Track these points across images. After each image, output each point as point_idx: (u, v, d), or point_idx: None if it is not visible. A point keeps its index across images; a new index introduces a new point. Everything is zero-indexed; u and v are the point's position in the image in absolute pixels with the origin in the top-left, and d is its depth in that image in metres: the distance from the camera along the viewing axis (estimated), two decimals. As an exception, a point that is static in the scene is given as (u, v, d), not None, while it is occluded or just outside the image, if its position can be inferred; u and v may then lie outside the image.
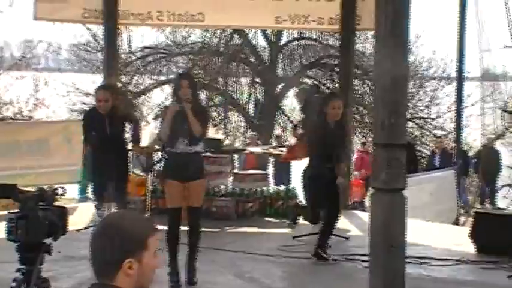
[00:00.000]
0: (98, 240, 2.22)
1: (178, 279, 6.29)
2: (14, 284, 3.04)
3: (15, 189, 3.10)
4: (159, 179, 7.43)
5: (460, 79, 13.23)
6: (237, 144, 11.48)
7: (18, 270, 3.05)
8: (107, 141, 7.69)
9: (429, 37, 40.29)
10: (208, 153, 9.68)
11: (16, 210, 3.03)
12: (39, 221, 3.00)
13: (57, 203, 3.16)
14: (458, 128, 13.47)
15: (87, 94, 19.79)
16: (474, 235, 7.80)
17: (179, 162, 6.26)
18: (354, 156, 17.34)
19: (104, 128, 7.71)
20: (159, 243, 2.33)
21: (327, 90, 20.40)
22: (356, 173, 16.00)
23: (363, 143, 16.56)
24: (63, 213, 3.11)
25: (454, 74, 18.26)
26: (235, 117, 21.31)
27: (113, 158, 7.61)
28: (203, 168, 6.59)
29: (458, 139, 13.58)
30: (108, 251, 2.18)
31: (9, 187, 3.12)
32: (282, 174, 15.11)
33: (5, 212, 9.37)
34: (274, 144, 13.42)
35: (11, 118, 16.50)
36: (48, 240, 3.06)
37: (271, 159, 15.60)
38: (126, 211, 2.89)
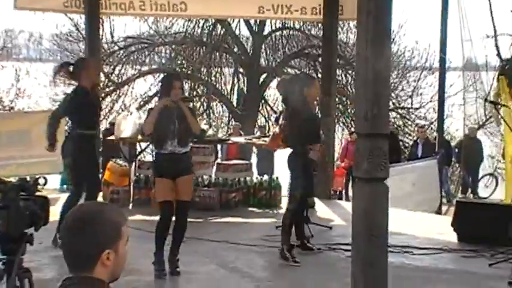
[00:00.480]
0: (75, 233, 2.19)
1: (164, 268, 6.34)
2: (-5, 275, 3.03)
3: (-4, 179, 3.09)
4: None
5: (443, 69, 13.30)
6: (220, 135, 11.43)
7: (-1, 260, 3.05)
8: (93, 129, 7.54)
9: (412, 27, 40.39)
10: (191, 144, 9.69)
11: (-3, 201, 3.02)
12: (21, 211, 2.99)
13: (38, 193, 3.15)
14: (441, 118, 13.55)
15: (69, 84, 19.62)
16: (456, 224, 7.87)
17: (168, 163, 6.33)
18: (341, 146, 17.43)
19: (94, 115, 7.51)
20: (130, 231, 2.34)
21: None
22: (338, 162, 16.09)
23: (351, 133, 16.59)
24: (44, 203, 3.10)
25: (436, 64, 18.37)
26: (218, 108, 21.29)
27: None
28: (191, 164, 6.69)
29: (440, 129, 13.66)
30: (88, 243, 2.17)
31: (-10, 178, 3.10)
32: (266, 164, 15.14)
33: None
34: (257, 134, 13.41)
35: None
36: (30, 231, 3.05)
37: (255, 149, 15.63)
38: (96, 202, 2.89)
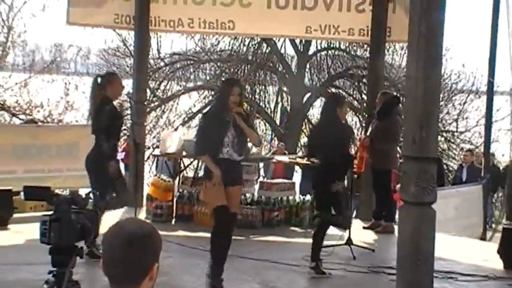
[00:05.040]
0: (130, 248, 2.22)
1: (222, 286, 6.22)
2: (45, 286, 3.06)
3: (49, 192, 3.13)
4: (200, 184, 7.34)
5: (490, 92, 13.12)
6: (263, 153, 11.46)
7: (50, 272, 3.07)
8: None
9: (459, 50, 40.04)
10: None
11: (50, 213, 3.05)
12: (72, 224, 3.02)
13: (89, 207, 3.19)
14: (488, 142, 13.34)
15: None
16: (502, 251, 7.72)
17: (224, 167, 6.20)
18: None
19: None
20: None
21: (355, 102, 20.39)
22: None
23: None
24: (95, 217, 3.13)
25: (483, 88, 18.15)
26: (262, 126, 21.34)
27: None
28: (242, 176, 6.61)
29: (487, 153, 13.45)
30: (144, 257, 2.20)
31: (44, 190, 3.15)
32: (308, 184, 15.06)
33: (32, 214, 9.50)
34: (301, 153, 13.39)
35: (41, 121, 16.68)
36: (80, 244, 3.08)
37: (297, 168, 15.58)
38: (133, 217, 2.94)
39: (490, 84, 12.82)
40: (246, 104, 20.52)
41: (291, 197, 9.98)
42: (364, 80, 19.38)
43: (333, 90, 20.66)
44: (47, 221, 3.00)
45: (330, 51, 20.82)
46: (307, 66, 21.30)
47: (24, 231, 8.32)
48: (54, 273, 3.07)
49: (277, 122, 21.19)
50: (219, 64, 20.66)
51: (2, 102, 18.48)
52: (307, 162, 9.92)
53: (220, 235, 6.19)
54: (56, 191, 3.26)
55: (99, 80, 7.42)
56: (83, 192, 3.25)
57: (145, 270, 2.21)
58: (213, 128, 6.26)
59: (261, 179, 12.38)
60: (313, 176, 7.61)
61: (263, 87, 21.05)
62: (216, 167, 6.18)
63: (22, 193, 10.04)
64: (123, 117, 7.55)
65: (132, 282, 2.22)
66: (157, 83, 19.74)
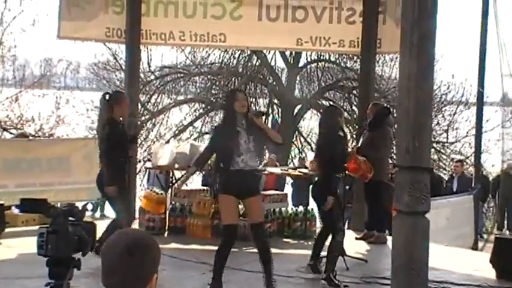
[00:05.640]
0: (130, 257, 2.22)
1: None
2: (43, 298, 3.06)
3: (46, 204, 3.13)
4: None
5: (480, 103, 13.18)
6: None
7: (47, 284, 3.07)
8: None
9: (448, 61, 40.28)
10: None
11: (46, 225, 3.05)
12: (69, 236, 3.02)
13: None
14: (478, 153, 13.41)
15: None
16: (495, 260, 7.75)
17: (236, 180, 6.11)
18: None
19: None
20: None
21: (345, 114, 20.47)
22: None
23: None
24: (92, 229, 3.13)
25: (472, 99, 18.22)
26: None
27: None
28: (259, 184, 6.63)
29: (477, 164, 13.51)
30: (143, 267, 2.20)
31: (40, 202, 3.15)
32: (301, 195, 15.07)
33: (24, 228, 9.45)
34: (294, 165, 13.41)
35: (33, 135, 16.64)
36: (78, 255, 3.08)
37: (289, 180, 15.58)
38: (134, 228, 2.95)
39: (480, 94, 12.89)
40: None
41: (283, 209, 9.99)
42: (355, 92, 19.45)
43: (323, 102, 20.73)
44: (44, 233, 3.00)
45: (320, 63, 20.89)
46: (298, 78, 21.36)
47: (17, 246, 8.29)
48: (52, 285, 3.07)
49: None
50: (209, 77, 20.69)
51: (-7, 117, 18.44)
52: (299, 174, 9.97)
53: (223, 253, 6.21)
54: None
55: (107, 97, 7.36)
56: (79, 204, 3.24)
57: (145, 280, 2.21)
58: (222, 140, 6.21)
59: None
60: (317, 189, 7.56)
61: (254, 99, 21.07)
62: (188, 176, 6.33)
63: (13, 207, 10.04)
64: (122, 134, 7.40)
65: None
66: (148, 96, 19.73)
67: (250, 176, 6.20)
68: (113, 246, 2.24)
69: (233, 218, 6.23)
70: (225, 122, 6.40)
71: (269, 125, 21.17)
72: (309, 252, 8.53)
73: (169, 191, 10.03)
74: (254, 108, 18.30)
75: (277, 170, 11.35)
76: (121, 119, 7.48)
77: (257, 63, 20.44)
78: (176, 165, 9.54)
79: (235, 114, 6.19)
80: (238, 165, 6.10)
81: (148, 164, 9.98)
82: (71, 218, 3.10)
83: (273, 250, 8.84)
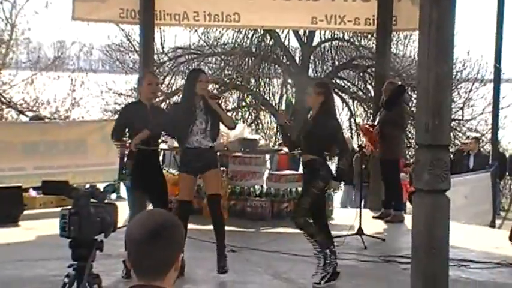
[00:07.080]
0: (158, 239, 2.19)
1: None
2: (66, 280, 3.07)
3: (68, 186, 3.13)
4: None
5: (497, 79, 13.04)
6: (270, 145, 11.44)
7: (70, 266, 3.08)
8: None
9: (464, 37, 39.93)
10: (241, 154, 9.71)
11: (69, 207, 3.05)
12: (91, 217, 3.03)
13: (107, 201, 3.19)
14: (495, 130, 13.29)
15: (120, 94, 19.95)
16: (514, 238, 7.72)
17: (191, 157, 6.29)
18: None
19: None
20: None
21: (359, 92, 20.38)
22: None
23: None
24: (114, 210, 3.13)
25: (488, 76, 18.06)
26: (266, 118, 21.30)
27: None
28: (217, 159, 6.67)
29: (494, 141, 13.39)
30: (171, 248, 2.19)
31: (62, 184, 3.16)
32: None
33: (42, 210, 9.48)
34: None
35: (49, 118, 16.69)
36: (100, 237, 3.09)
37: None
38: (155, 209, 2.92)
39: (497, 70, 12.74)
40: (250, 97, 20.57)
41: (299, 188, 9.94)
42: (369, 70, 19.32)
43: (337, 81, 20.62)
44: (67, 215, 3.01)
45: (334, 42, 20.75)
46: (311, 57, 21.23)
47: (35, 228, 8.34)
48: (75, 267, 3.08)
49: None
50: (223, 57, 20.61)
51: (9, 100, 18.50)
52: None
53: None
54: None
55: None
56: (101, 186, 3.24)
57: (172, 261, 2.21)
58: (179, 117, 6.27)
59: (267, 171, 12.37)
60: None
61: (267, 79, 20.99)
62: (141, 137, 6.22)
63: (31, 189, 10.09)
64: (125, 114, 6.96)
65: (159, 273, 2.21)
66: (162, 77, 19.70)
67: (206, 152, 6.32)
68: (141, 229, 2.22)
69: (187, 195, 6.41)
70: (184, 100, 6.49)
71: (283, 107, 21.16)
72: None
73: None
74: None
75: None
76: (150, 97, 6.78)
77: (270, 43, 20.32)
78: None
79: (194, 95, 6.27)
80: (193, 144, 6.27)
81: (164, 145, 9.93)
82: (92, 200, 3.10)
83: (290, 230, 8.90)
